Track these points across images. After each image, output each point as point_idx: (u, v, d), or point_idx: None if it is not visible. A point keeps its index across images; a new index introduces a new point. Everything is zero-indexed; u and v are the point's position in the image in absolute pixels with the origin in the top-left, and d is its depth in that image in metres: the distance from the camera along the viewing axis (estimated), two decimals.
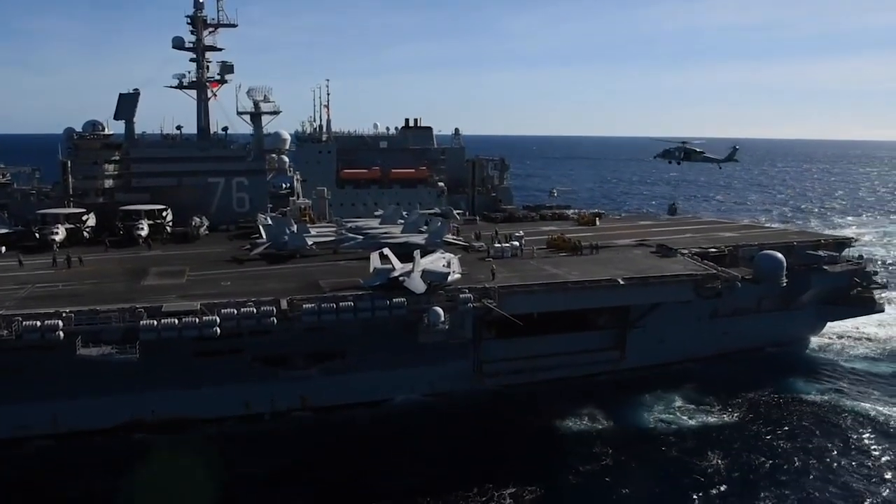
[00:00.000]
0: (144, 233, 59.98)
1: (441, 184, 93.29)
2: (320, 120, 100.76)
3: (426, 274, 43.09)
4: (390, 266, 44.28)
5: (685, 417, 46.91)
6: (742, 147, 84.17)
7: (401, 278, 42.47)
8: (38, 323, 36.84)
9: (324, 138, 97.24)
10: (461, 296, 42.70)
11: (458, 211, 75.64)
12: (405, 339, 43.59)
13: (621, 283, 47.38)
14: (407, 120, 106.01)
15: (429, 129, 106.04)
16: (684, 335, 54.24)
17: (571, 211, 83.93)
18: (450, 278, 43.99)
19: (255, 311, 39.37)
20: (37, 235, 58.15)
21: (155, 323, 37.69)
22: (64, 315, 37.71)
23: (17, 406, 40.45)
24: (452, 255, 49.22)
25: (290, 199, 71.29)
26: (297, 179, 75.09)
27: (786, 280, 52.95)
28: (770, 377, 53.96)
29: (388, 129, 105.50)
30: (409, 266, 43.62)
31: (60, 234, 57.94)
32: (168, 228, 63.04)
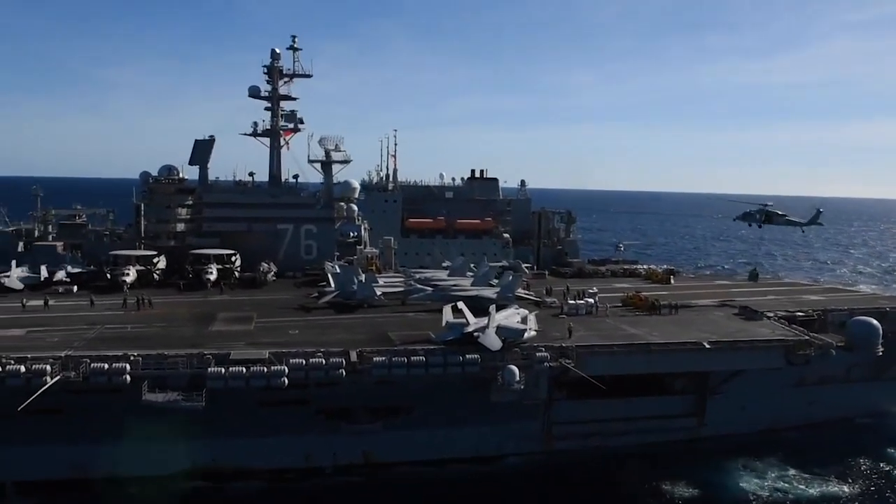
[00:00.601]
0: (213, 277, 59.98)
1: (506, 235, 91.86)
2: (387, 169, 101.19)
3: (501, 330, 41.21)
4: (464, 320, 42.55)
5: (802, 486, 44.11)
6: (813, 206, 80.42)
7: (475, 334, 40.65)
8: (106, 366, 36.30)
9: (390, 187, 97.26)
10: (537, 354, 40.63)
11: (526, 265, 73.70)
12: (475, 397, 41.63)
13: (707, 346, 44.62)
14: (473, 171, 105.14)
15: (495, 180, 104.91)
16: (768, 403, 50.86)
17: (643, 267, 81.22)
18: (525, 335, 42.04)
19: (323, 362, 38.07)
20: (108, 276, 58.65)
21: (222, 371, 36.71)
22: (131, 359, 37.10)
23: (77, 447, 39.82)
24: (526, 311, 47.24)
25: (358, 247, 70.73)
26: (365, 228, 74.63)
27: (882, 348, 49.33)
28: (879, 448, 50.51)
29: (453, 179, 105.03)
30: (483, 321, 41.81)
31: (131, 275, 58.35)
32: (236, 273, 62.89)
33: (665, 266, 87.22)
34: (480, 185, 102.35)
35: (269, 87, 69.61)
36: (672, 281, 70.53)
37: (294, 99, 70.40)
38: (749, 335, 47.52)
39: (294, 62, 69.48)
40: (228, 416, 39.28)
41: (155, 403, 36.18)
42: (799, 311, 54.48)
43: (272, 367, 37.08)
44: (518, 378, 39.02)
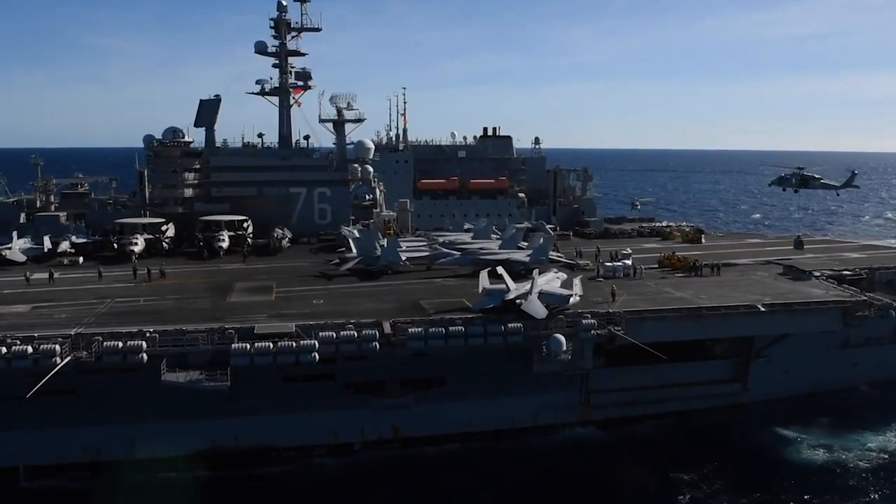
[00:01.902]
0: (226, 244, 57.06)
1: (521, 195, 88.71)
2: (397, 129, 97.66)
3: (543, 296, 38.32)
4: (503, 286, 39.58)
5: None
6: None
7: (517, 301, 37.77)
8: (120, 344, 33.51)
9: (401, 147, 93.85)
10: (584, 322, 37.77)
11: (549, 226, 70.61)
12: (512, 368, 39.23)
13: (762, 309, 41.81)
14: (485, 129, 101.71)
15: (508, 138, 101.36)
16: (813, 366, 48.40)
17: (670, 225, 78.57)
18: (571, 301, 39.12)
19: (355, 334, 35.24)
20: (115, 246, 55.94)
21: (247, 347, 33.87)
22: (148, 335, 34.34)
23: (91, 428, 37.48)
24: (565, 275, 44.32)
25: (374, 210, 67.63)
26: (381, 190, 71.36)
27: None
28: None
29: (465, 138, 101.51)
30: (524, 286, 38.90)
31: (140, 244, 55.51)
32: (249, 240, 59.95)
33: (685, 223, 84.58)
34: (494, 144, 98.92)
35: (276, 43, 65.76)
36: (703, 240, 67.56)
37: (303, 55, 66.78)
38: (803, 297, 44.80)
39: (302, 15, 65.57)
40: (250, 392, 36.60)
41: (176, 384, 33.56)
42: (845, 270, 51.95)
43: (301, 342, 34.28)
44: (565, 347, 36.29)
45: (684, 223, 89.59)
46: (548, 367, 37.71)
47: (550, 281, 41.52)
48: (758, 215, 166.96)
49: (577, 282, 41.77)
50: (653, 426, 44.31)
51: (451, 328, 36.32)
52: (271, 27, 65.68)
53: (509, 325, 36.76)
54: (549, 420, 43.79)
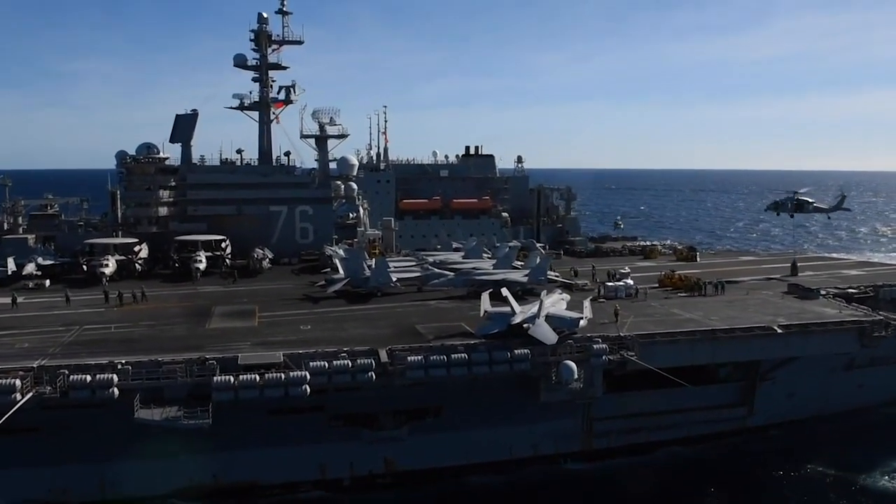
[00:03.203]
0: (203, 266, 53.93)
1: (505, 214, 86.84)
2: (378, 147, 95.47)
3: (552, 319, 35.81)
4: (507, 309, 37.02)
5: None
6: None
7: (525, 325, 35.18)
8: (88, 378, 30.38)
9: (382, 166, 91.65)
10: (595, 347, 35.27)
11: (539, 244, 68.46)
12: (515, 396, 36.79)
13: (778, 331, 39.67)
14: (468, 147, 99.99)
15: (490, 156, 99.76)
16: (818, 388, 46.62)
17: (649, 243, 77.23)
18: (580, 324, 36.64)
19: (349, 364, 32.35)
20: (84, 268, 52.70)
21: (231, 380, 30.81)
22: (119, 367, 31.25)
23: (58, 468, 34.32)
24: (568, 296, 41.94)
25: (358, 229, 64.95)
26: (364, 208, 68.72)
27: None
28: None
29: (447, 157, 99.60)
30: (531, 309, 36.36)
31: (110, 266, 52.28)
32: (227, 261, 56.91)
33: (669, 240, 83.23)
34: (476, 163, 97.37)
35: (256, 56, 63.30)
36: (697, 258, 65.90)
37: (284, 68, 64.37)
38: (817, 316, 42.89)
39: (283, 27, 63.19)
40: (233, 427, 33.57)
41: (150, 422, 30.31)
42: (850, 288, 50.26)
43: (290, 374, 31.28)
44: (577, 375, 33.72)
45: (669, 241, 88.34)
46: (557, 395, 35.28)
47: (556, 303, 39.09)
48: (753, 235, 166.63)
49: (586, 304, 39.30)
50: (658, 453, 42.14)
51: (453, 356, 33.59)
52: (251, 39, 63.35)
53: (516, 351, 34.16)
54: (550, 450, 41.26)
